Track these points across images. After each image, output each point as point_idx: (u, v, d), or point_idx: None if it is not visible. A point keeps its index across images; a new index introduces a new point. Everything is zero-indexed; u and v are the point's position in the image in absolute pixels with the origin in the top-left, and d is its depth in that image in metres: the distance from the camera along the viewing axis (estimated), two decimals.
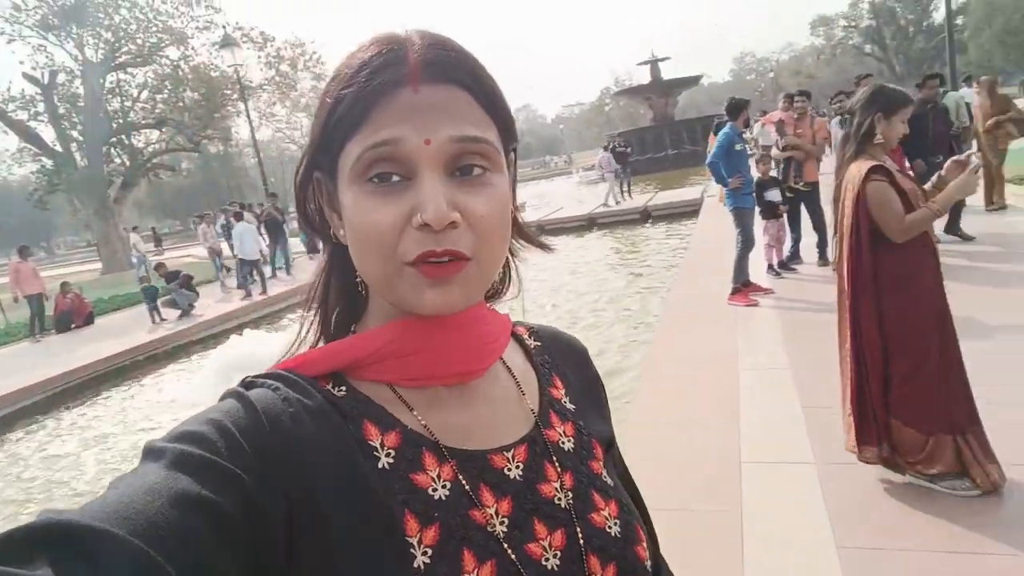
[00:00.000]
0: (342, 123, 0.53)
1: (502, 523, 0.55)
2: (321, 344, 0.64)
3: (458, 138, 0.52)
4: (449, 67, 0.53)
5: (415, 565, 0.50)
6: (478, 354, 0.60)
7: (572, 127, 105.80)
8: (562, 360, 0.72)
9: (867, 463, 2.80)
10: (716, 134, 13.38)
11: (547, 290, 8.91)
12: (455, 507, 0.53)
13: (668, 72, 34.07)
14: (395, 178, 0.52)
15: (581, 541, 0.57)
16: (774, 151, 7.20)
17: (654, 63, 33.57)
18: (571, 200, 21.82)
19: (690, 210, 13.96)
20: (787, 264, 7.00)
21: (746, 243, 6.07)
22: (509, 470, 0.58)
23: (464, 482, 0.55)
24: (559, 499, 0.58)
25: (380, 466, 0.53)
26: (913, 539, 2.50)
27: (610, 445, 0.70)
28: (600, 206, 16.46)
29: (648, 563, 0.61)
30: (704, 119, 33.10)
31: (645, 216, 14.75)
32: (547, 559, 0.55)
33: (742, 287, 6.06)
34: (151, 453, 0.47)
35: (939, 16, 48.85)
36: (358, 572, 0.49)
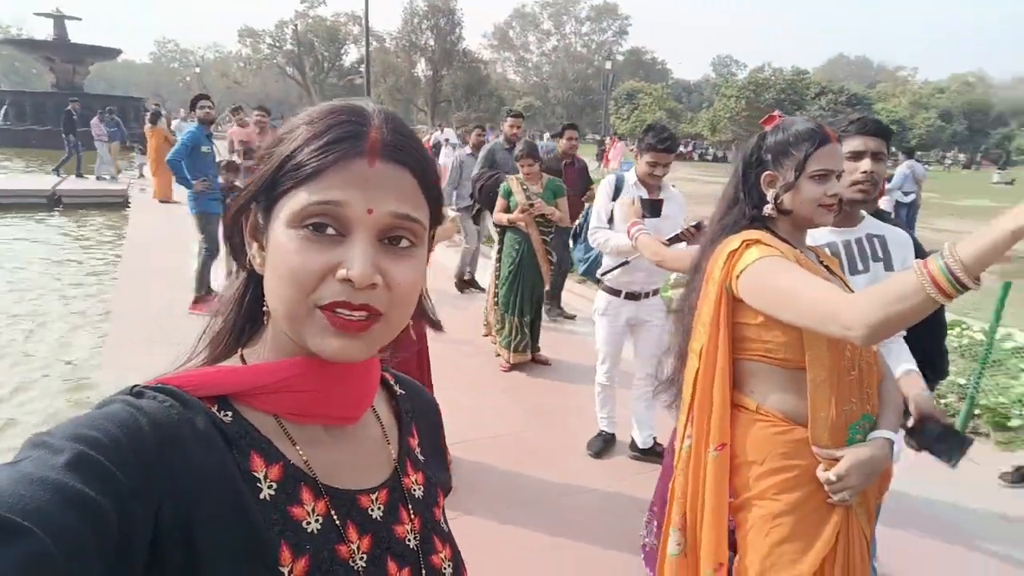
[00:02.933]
0: (296, 172, 0.57)
1: (362, 558, 0.61)
2: (204, 360, 0.64)
3: (397, 214, 0.58)
4: (403, 151, 0.59)
5: None
6: (361, 401, 0.65)
7: None
8: (418, 411, 0.78)
9: None
10: (154, 124, 12.32)
11: None
12: (325, 541, 0.58)
13: (77, 35, 29.12)
14: (330, 231, 0.56)
15: None
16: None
17: (60, 19, 28.13)
18: None
19: (114, 201, 12.27)
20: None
21: (210, 250, 5.79)
22: (372, 511, 0.64)
23: (335, 518, 0.60)
24: (409, 540, 0.66)
25: (262, 496, 0.56)
26: None
27: (447, 492, 0.77)
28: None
29: None
30: (126, 99, 29.64)
31: (55, 202, 12.20)
32: None
33: (205, 295, 5.75)
34: (43, 447, 0.47)
35: (348, 60, 56.73)
36: None
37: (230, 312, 0.66)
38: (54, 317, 6.03)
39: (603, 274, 3.44)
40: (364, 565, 0.60)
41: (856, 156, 1.92)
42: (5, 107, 25.03)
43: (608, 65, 41.38)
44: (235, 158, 6.87)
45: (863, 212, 2.05)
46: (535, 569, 2.68)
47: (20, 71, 60.70)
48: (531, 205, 4.58)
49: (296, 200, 0.56)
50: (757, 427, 1.59)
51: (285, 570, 0.54)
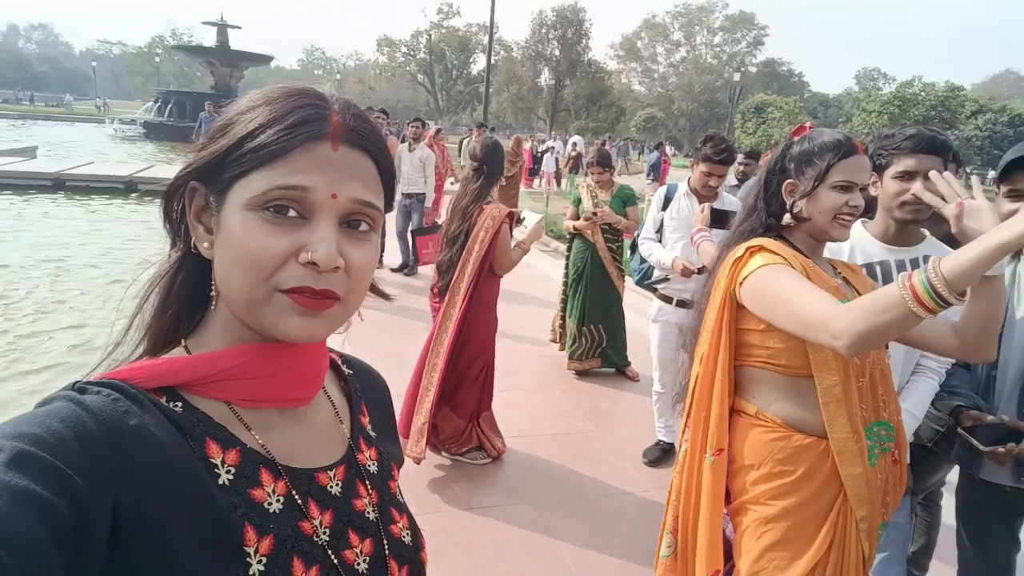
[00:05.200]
0: (255, 154, 0.56)
1: (325, 533, 0.62)
2: (142, 351, 0.64)
3: (359, 200, 0.59)
4: (364, 136, 0.60)
5: (250, 572, 0.55)
6: (312, 383, 0.66)
7: (108, 68, 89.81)
8: (367, 389, 0.80)
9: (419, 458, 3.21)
10: None
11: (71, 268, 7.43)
12: (288, 519, 0.60)
13: (236, 43, 32.08)
14: (291, 213, 0.57)
15: (386, 549, 0.68)
16: None
17: (223, 27, 31.15)
18: (101, 156, 18.52)
19: None
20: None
21: None
22: (331, 487, 0.66)
23: (296, 497, 0.61)
24: (368, 513, 0.68)
25: (221, 482, 0.56)
26: (448, 501, 3.07)
27: (399, 466, 0.80)
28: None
29: (427, 565, 0.75)
30: None
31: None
32: (359, 564, 0.65)
33: None
34: None
35: (475, 68, 58.52)
36: None
37: (162, 297, 0.64)
38: None
39: (645, 285, 3.46)
40: (328, 539, 0.61)
41: (908, 176, 1.80)
42: (171, 105, 28.08)
43: (736, 76, 40.00)
44: None
45: (924, 232, 1.95)
46: (561, 561, 2.73)
47: (187, 75, 67.76)
48: (595, 214, 4.56)
49: (256, 183, 0.56)
50: (756, 432, 1.59)
51: (251, 550, 0.55)
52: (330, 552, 0.61)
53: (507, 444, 3.54)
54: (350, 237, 0.60)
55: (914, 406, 1.82)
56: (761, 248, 1.53)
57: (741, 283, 1.52)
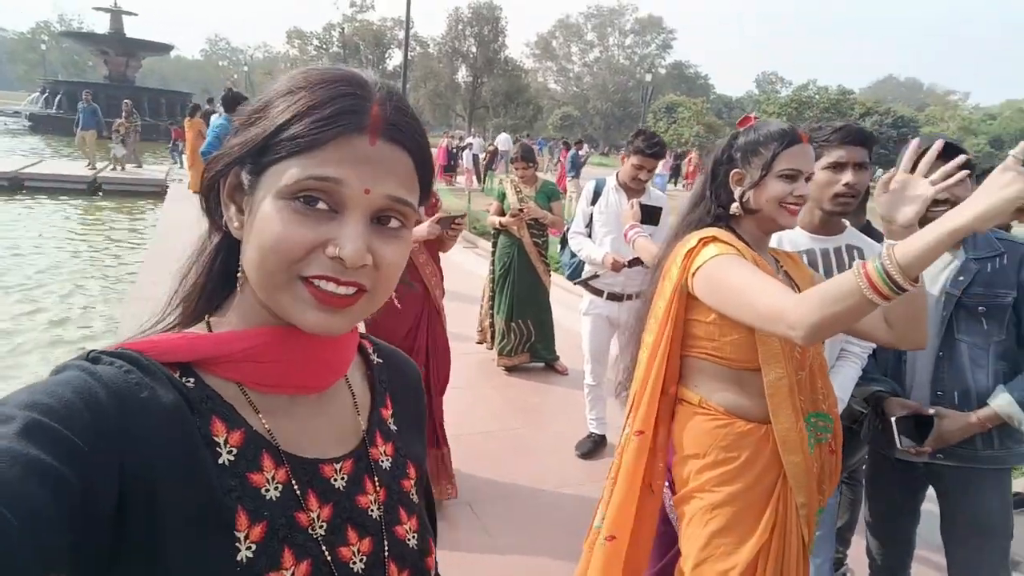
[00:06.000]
0: (292, 142, 0.55)
1: (322, 527, 0.60)
2: (175, 326, 0.63)
3: (392, 197, 0.57)
4: (404, 132, 0.58)
5: (238, 558, 0.53)
6: (329, 371, 0.65)
7: None
8: (396, 382, 0.77)
9: None
10: (192, 116, 12.69)
11: None
12: (283, 508, 0.58)
13: (133, 30, 30.16)
14: (321, 205, 0.55)
15: (386, 550, 0.65)
16: None
17: (117, 13, 29.20)
18: None
19: (151, 191, 12.66)
20: None
21: None
22: (335, 480, 0.63)
23: (295, 486, 0.59)
24: (372, 511, 0.65)
25: (221, 461, 0.56)
26: None
27: (419, 464, 0.76)
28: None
29: (434, 573, 0.71)
30: (173, 93, 30.56)
31: (95, 188, 12.65)
32: (354, 563, 0.62)
33: None
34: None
35: (391, 64, 57.60)
36: (184, 558, 0.51)
37: (201, 274, 0.65)
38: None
39: (577, 282, 3.50)
40: (323, 534, 0.59)
41: (838, 167, 1.86)
42: (60, 96, 26.11)
43: (648, 77, 41.22)
44: None
45: (845, 222, 2.05)
46: (502, 557, 2.72)
47: (78, 63, 63.07)
48: (521, 210, 4.57)
49: (289, 171, 0.55)
50: (698, 420, 1.62)
51: (241, 535, 0.54)
52: (324, 548, 0.59)
53: None
54: (380, 234, 0.58)
55: (840, 390, 1.92)
56: (714, 238, 1.53)
57: (694, 273, 1.52)
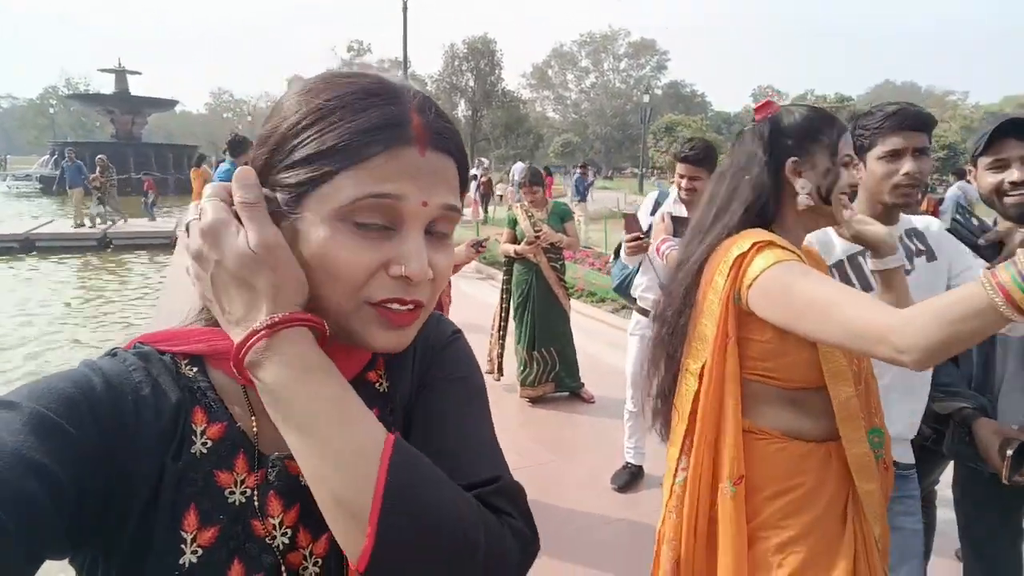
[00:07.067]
0: (334, 159, 0.52)
1: (285, 534, 0.57)
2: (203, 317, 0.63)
3: (447, 206, 0.57)
4: (449, 139, 0.58)
5: (181, 562, 0.51)
6: None
7: None
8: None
9: None
10: (198, 166, 12.80)
11: None
12: (242, 515, 0.56)
13: (138, 88, 30.81)
14: (378, 223, 0.54)
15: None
16: None
17: (121, 73, 29.86)
18: None
19: (161, 243, 12.70)
20: None
21: None
22: (302, 478, 0.57)
23: (255, 498, 0.57)
24: None
25: (193, 451, 0.55)
26: None
27: None
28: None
29: None
30: (180, 147, 31.06)
31: (105, 243, 12.71)
32: (306, 568, 0.58)
33: None
34: (4, 406, 0.48)
35: None
36: (130, 558, 0.50)
37: None
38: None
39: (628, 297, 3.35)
40: (287, 541, 0.57)
41: (895, 155, 1.66)
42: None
43: (646, 98, 41.44)
44: None
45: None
46: None
47: (86, 125, 64.45)
48: (537, 236, 4.46)
49: (341, 191, 0.52)
50: (751, 447, 1.42)
51: (188, 536, 0.52)
52: (279, 555, 0.57)
53: None
54: (433, 243, 0.57)
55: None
56: (770, 243, 1.31)
57: (749, 286, 1.31)
